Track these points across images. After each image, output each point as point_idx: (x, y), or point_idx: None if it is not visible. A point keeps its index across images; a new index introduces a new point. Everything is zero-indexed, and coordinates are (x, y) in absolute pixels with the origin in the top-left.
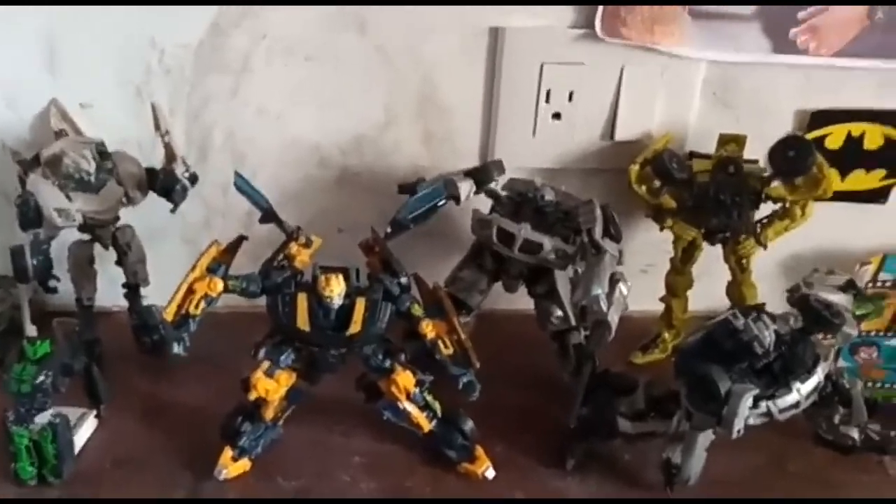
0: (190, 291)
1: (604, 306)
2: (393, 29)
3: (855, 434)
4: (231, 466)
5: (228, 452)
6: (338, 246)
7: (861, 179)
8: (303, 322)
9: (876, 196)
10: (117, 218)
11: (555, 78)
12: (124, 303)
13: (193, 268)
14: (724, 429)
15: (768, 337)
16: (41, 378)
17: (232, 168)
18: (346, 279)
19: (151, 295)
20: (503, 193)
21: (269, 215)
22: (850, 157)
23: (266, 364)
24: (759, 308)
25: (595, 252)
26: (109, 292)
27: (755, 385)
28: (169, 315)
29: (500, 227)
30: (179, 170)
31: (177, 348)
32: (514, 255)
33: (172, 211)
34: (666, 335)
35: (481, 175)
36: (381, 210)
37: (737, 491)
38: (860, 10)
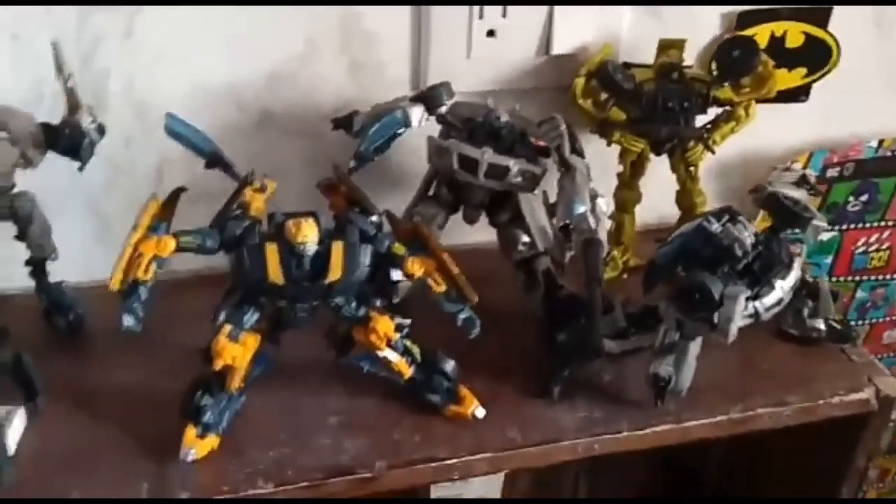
0: (136, 255)
1: (591, 223)
2: None
3: (821, 326)
4: (198, 445)
5: (192, 431)
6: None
7: (784, 78)
8: (275, 275)
9: (797, 94)
10: (13, 185)
11: None
12: (20, 284)
13: (134, 227)
14: (720, 333)
15: (748, 238)
16: None
17: (134, 120)
18: (317, 223)
19: (55, 271)
20: (451, 118)
21: (215, 159)
22: (774, 56)
23: (228, 328)
24: (729, 210)
25: (565, 170)
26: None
27: (740, 286)
28: (115, 284)
29: (461, 153)
30: (86, 121)
31: (128, 321)
32: (479, 182)
33: (80, 169)
34: (616, 252)
35: (431, 100)
36: (307, 151)
37: (719, 395)
38: None
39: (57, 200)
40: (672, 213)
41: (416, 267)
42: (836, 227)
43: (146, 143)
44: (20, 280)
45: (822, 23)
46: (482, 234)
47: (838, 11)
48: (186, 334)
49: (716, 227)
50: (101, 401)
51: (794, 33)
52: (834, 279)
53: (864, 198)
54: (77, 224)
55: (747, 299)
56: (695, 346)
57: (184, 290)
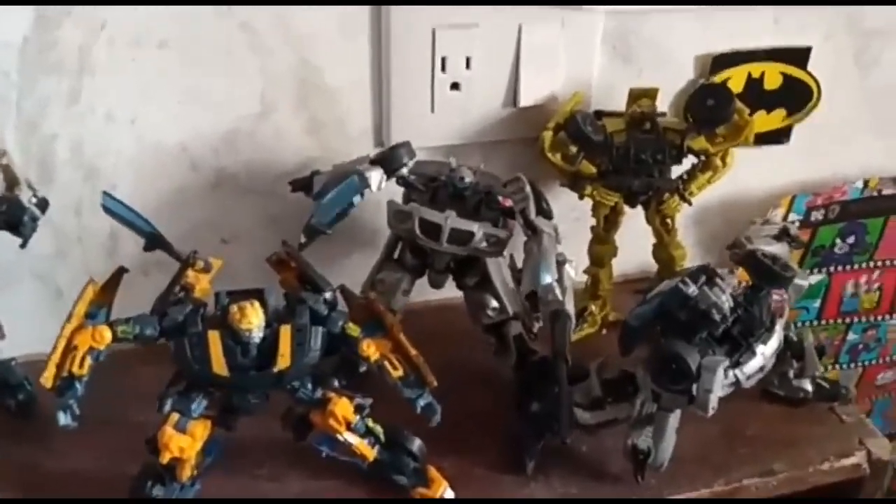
0: (70, 348)
1: (558, 294)
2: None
3: (808, 386)
4: None
5: None
6: (225, 259)
7: (764, 121)
8: (219, 366)
9: (778, 136)
10: None
11: (449, 44)
12: None
13: (69, 317)
14: (698, 407)
15: (726, 302)
16: None
17: (84, 186)
18: (264, 305)
19: (5, 346)
20: (413, 179)
21: (154, 240)
22: (752, 98)
23: (175, 417)
24: (706, 270)
25: (532, 233)
26: None
27: (719, 354)
28: (47, 381)
29: (422, 217)
30: (25, 196)
31: (64, 419)
32: (442, 248)
33: (22, 246)
34: (593, 307)
35: (390, 162)
36: (268, 212)
37: (702, 466)
38: None
39: (4, 274)
40: (652, 262)
41: (372, 350)
42: (824, 270)
43: (97, 210)
44: None
45: (802, 63)
46: (452, 288)
47: (817, 51)
48: (139, 411)
49: (692, 289)
50: (48, 488)
51: (773, 74)
52: (823, 323)
53: (850, 240)
54: (27, 296)
55: (727, 369)
56: (674, 419)
57: (134, 364)
